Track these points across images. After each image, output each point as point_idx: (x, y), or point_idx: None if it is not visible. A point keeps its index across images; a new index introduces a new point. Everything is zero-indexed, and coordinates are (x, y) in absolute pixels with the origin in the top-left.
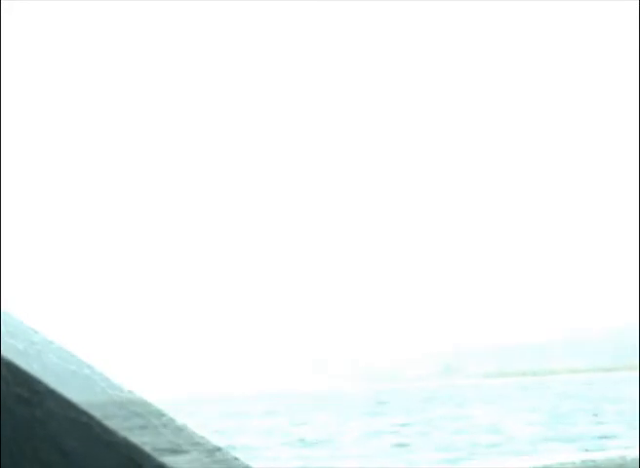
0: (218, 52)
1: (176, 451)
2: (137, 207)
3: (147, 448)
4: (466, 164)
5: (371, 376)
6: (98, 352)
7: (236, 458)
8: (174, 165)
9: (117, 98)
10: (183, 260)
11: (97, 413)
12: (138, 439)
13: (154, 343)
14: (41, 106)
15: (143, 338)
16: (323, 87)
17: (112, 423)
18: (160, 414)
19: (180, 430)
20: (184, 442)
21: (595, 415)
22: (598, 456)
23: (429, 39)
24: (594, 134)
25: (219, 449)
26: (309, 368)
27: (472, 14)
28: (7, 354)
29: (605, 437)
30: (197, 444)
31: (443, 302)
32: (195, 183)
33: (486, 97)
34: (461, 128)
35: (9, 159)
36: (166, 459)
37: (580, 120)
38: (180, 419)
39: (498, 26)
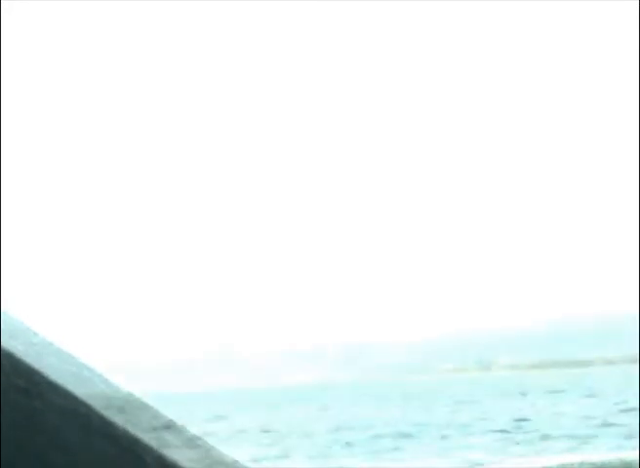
0: (218, 52)
1: (174, 448)
2: (123, 210)
3: (148, 441)
4: (468, 160)
5: (403, 369)
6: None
7: (235, 460)
8: (166, 151)
9: (117, 98)
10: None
11: (96, 407)
12: (137, 433)
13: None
14: (41, 106)
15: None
16: (323, 87)
17: (111, 417)
18: (159, 416)
19: (180, 431)
20: (183, 442)
21: None
22: (597, 458)
23: (429, 39)
24: (591, 126)
25: (217, 451)
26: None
27: (472, 14)
28: (8, 349)
29: None
30: (196, 445)
31: (469, 294)
32: (177, 180)
33: (486, 95)
34: (455, 119)
35: (9, 159)
36: (166, 451)
37: (579, 112)
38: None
39: (498, 26)
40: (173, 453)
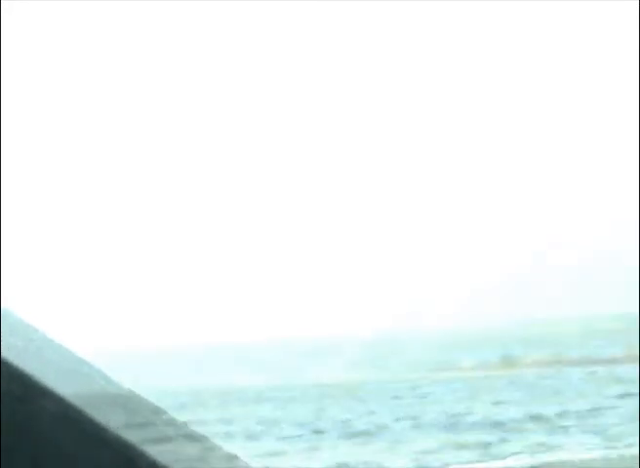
0: (217, 52)
1: (172, 449)
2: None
3: (141, 445)
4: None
5: (424, 367)
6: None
7: (235, 457)
8: (166, 150)
9: (117, 99)
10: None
11: (92, 410)
12: (132, 435)
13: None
14: (41, 106)
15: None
16: (321, 87)
17: (107, 420)
18: (159, 412)
19: (179, 428)
20: (182, 439)
21: None
22: (597, 455)
23: (429, 39)
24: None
25: (217, 448)
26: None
27: (472, 14)
28: (3, 351)
29: None
30: (195, 441)
31: (494, 288)
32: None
33: (484, 95)
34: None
35: (9, 159)
36: (160, 456)
37: (571, 120)
38: (179, 416)
39: (498, 26)
40: (170, 454)
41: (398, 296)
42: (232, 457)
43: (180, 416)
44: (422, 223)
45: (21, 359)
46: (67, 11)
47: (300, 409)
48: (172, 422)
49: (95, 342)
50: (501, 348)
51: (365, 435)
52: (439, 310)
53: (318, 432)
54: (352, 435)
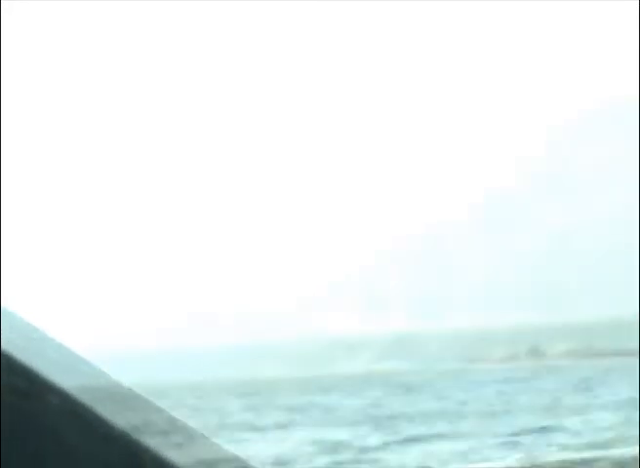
0: (217, 52)
1: (174, 446)
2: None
3: (146, 441)
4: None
5: (455, 358)
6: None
7: (237, 455)
8: (162, 148)
9: (117, 98)
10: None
11: (95, 405)
12: (135, 431)
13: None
14: (41, 106)
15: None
16: (320, 87)
17: (111, 417)
18: (159, 411)
19: (179, 426)
20: (183, 437)
21: None
22: (598, 454)
23: (425, 39)
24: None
25: (218, 446)
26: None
27: (472, 14)
28: (5, 345)
29: None
30: (196, 440)
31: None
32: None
33: (480, 94)
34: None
35: (9, 159)
36: (164, 452)
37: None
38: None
39: (497, 26)
40: (172, 451)
41: (412, 295)
42: (233, 456)
43: (237, 406)
44: (439, 224)
45: (24, 354)
46: (67, 11)
47: (351, 398)
48: (172, 420)
49: (95, 341)
50: (525, 342)
51: (428, 423)
52: (452, 309)
53: (387, 417)
54: (418, 419)
